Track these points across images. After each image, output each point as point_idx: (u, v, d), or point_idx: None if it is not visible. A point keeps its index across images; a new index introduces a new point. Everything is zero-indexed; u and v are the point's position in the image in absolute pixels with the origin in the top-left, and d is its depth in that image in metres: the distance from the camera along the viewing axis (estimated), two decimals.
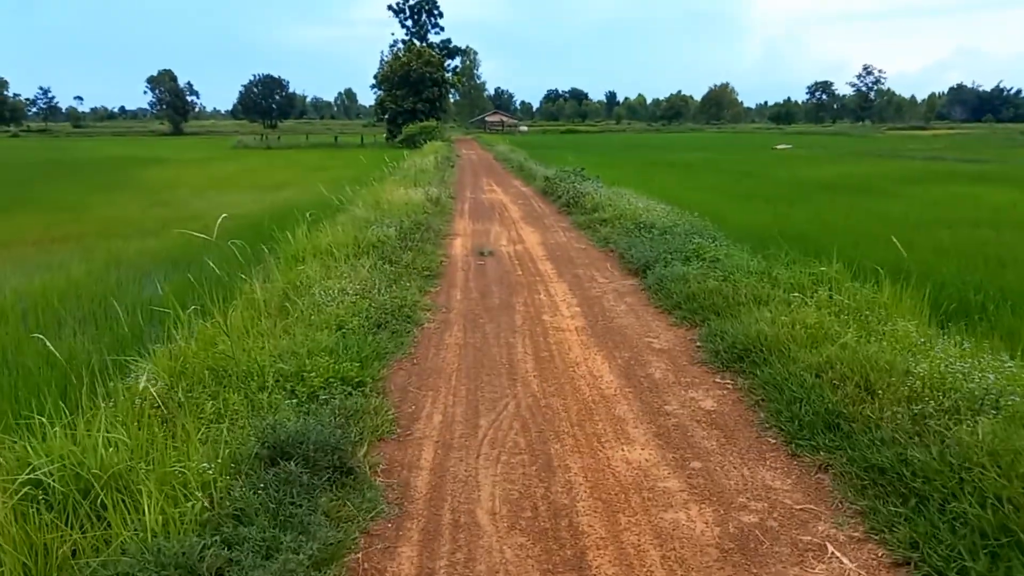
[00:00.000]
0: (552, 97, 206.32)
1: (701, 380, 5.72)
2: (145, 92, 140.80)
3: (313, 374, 5.45)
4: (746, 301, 6.98)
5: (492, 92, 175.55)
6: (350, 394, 5.28)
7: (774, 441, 4.58)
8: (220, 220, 6.62)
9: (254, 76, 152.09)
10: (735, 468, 4.23)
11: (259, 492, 3.61)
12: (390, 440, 4.72)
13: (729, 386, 5.55)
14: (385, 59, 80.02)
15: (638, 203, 13.91)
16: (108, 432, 3.81)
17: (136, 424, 4.17)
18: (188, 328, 6.12)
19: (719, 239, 10.32)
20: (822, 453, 4.25)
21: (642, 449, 4.49)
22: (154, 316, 7.07)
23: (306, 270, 8.90)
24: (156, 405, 4.54)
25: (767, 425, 4.79)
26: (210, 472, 3.74)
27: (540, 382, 5.71)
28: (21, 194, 22.99)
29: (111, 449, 3.70)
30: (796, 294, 6.99)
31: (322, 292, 7.87)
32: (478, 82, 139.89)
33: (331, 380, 5.43)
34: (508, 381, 5.75)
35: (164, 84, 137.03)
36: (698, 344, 6.49)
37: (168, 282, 9.11)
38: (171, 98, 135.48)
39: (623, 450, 4.48)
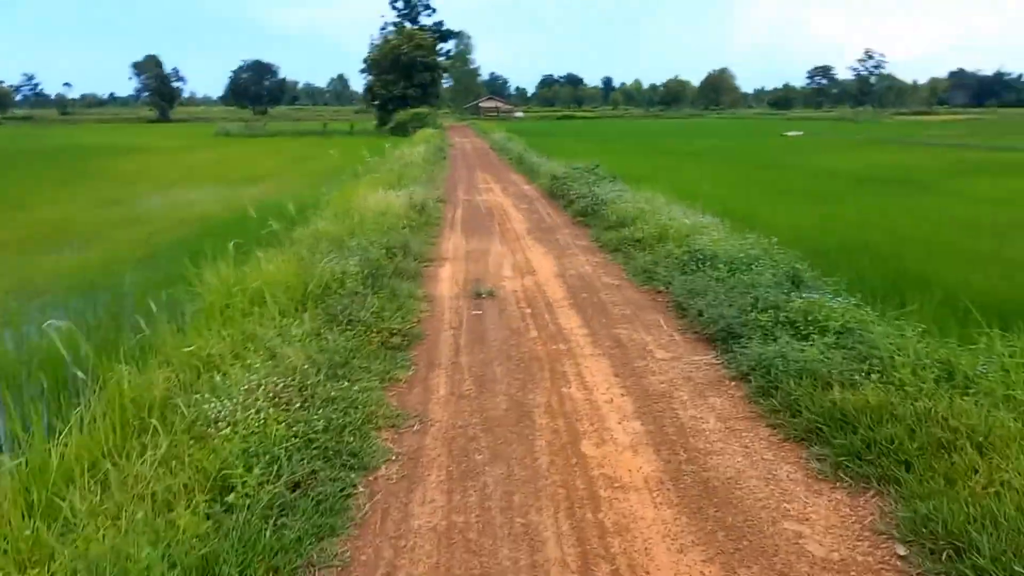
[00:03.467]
0: (547, 82, 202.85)
1: None
2: (130, 78, 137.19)
3: None
4: (952, 440, 3.87)
5: (487, 77, 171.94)
6: None
7: None
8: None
9: (243, 62, 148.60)
10: None
11: None
12: None
13: None
14: (375, 43, 76.15)
15: (681, 217, 10.70)
16: None
17: None
18: None
19: (821, 284, 7.18)
20: None
21: None
22: None
23: (211, 343, 5.77)
24: None
25: None
26: None
27: None
28: None
29: None
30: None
31: (220, 394, 4.76)
32: (472, 67, 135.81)
33: None
34: None
35: (149, 70, 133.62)
36: (901, 555, 3.33)
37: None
38: (157, 84, 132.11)
39: None
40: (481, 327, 7.06)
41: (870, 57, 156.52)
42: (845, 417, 4.31)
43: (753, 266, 7.73)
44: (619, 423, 4.80)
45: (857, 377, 4.74)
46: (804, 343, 5.44)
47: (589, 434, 4.64)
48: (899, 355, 4.95)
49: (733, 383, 5.43)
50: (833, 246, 10.60)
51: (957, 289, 7.94)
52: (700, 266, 8.09)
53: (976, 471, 3.60)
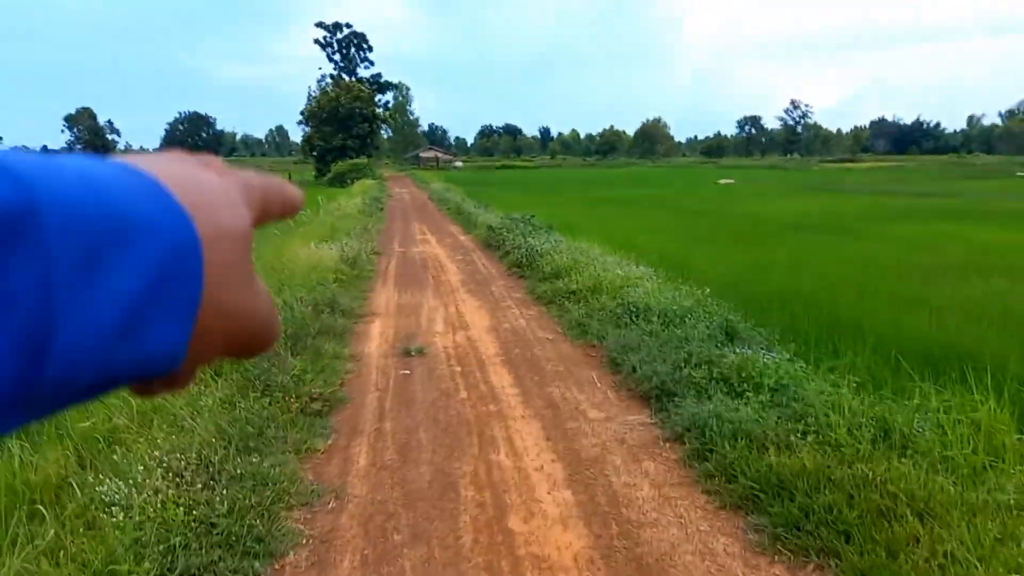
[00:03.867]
0: (487, 133, 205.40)
1: None
2: (63, 131, 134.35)
3: None
4: (892, 508, 3.70)
5: (426, 128, 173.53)
6: None
7: None
8: None
9: (180, 113, 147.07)
10: None
11: None
12: None
13: None
14: (313, 94, 76.02)
15: (615, 267, 10.60)
16: None
17: None
18: None
19: (756, 335, 7.10)
20: None
21: None
22: None
23: (114, 414, 5.35)
24: None
25: None
26: None
27: None
28: None
29: None
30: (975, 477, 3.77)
31: (119, 473, 4.36)
32: (412, 118, 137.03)
33: None
34: None
35: (83, 122, 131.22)
36: None
37: None
38: (90, 136, 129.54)
39: None
40: (409, 388, 6.74)
41: (796, 107, 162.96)
42: (782, 483, 4.12)
43: (686, 318, 7.61)
44: (549, 493, 4.53)
45: (793, 438, 4.57)
46: (739, 401, 5.28)
47: (517, 507, 4.36)
48: (834, 413, 4.82)
49: (668, 444, 5.22)
50: (766, 293, 10.59)
51: (889, 335, 7.93)
52: (634, 319, 7.94)
53: (918, 541, 3.43)
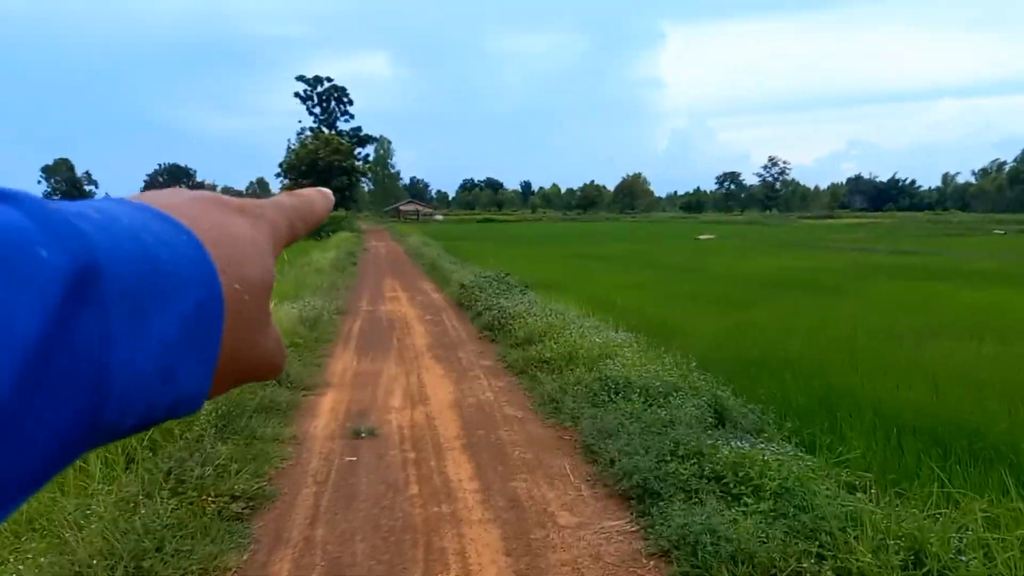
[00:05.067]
0: (468, 186, 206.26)
1: None
2: (39, 182, 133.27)
3: None
4: None
5: (408, 181, 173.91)
6: None
7: None
8: None
9: (159, 165, 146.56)
10: None
11: None
12: None
13: None
14: (292, 147, 75.69)
15: (592, 333, 9.76)
16: None
17: None
18: None
19: (746, 414, 6.28)
20: None
21: None
22: None
23: None
24: None
25: None
26: None
27: None
28: None
29: None
30: None
31: None
32: (392, 171, 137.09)
33: None
34: None
35: (60, 173, 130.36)
36: None
37: None
38: (67, 188, 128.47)
39: None
40: (352, 481, 5.82)
41: (774, 164, 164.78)
42: None
43: (671, 396, 6.77)
44: None
45: (806, 564, 3.71)
46: (736, 508, 4.42)
47: None
48: (852, 528, 3.97)
49: (652, 562, 4.33)
50: (754, 359, 9.88)
51: (887, 409, 7.32)
52: (612, 396, 7.08)
53: None
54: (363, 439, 6.86)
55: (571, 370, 8.42)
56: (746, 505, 4.47)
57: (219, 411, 6.68)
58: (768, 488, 4.56)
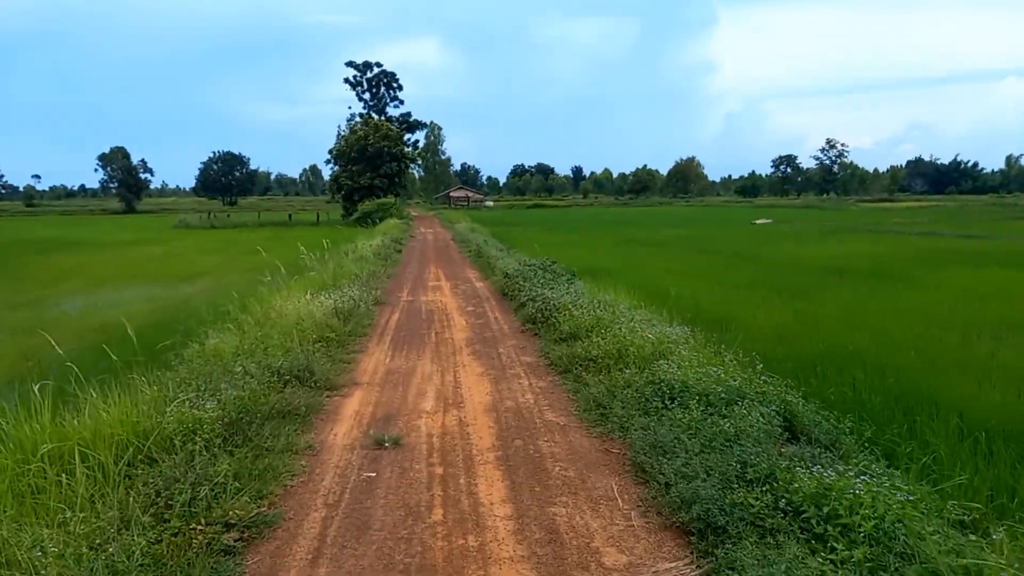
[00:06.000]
0: (518, 172, 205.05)
1: None
2: (96, 170, 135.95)
3: None
4: None
5: (458, 167, 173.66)
6: None
7: None
8: None
9: (214, 153, 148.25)
10: None
11: None
12: None
13: None
14: (342, 133, 75.54)
15: (644, 328, 8.87)
16: None
17: None
18: None
19: (820, 423, 5.41)
20: None
21: None
22: None
23: None
24: None
25: None
26: None
27: None
28: None
29: None
30: None
31: None
32: (443, 157, 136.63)
33: None
34: None
35: (116, 161, 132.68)
36: None
37: None
38: (123, 175, 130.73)
39: None
40: (368, 503, 5.09)
41: (832, 147, 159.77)
42: None
43: (735, 404, 5.90)
44: None
45: None
46: (823, 554, 3.57)
47: None
48: None
49: None
50: (819, 353, 9.00)
51: (972, 412, 6.53)
52: (666, 404, 6.23)
53: None
54: (386, 449, 6.14)
55: (620, 370, 7.59)
56: (835, 551, 3.62)
57: (227, 418, 6.02)
58: (862, 529, 3.70)
